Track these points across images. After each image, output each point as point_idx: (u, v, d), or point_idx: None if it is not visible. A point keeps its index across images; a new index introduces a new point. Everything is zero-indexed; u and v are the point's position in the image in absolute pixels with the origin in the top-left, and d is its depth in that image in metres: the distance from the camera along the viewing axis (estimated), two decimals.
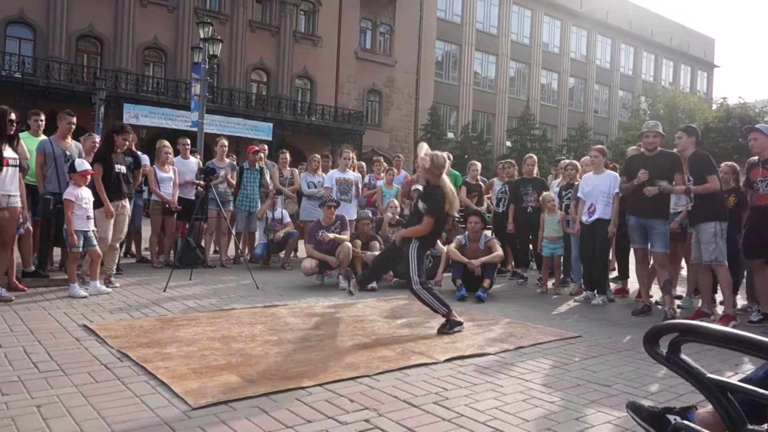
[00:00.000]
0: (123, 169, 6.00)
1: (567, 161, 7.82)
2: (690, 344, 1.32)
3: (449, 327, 4.44)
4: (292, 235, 8.01)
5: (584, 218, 6.15)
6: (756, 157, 5.21)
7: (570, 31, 43.41)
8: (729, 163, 6.23)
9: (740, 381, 1.56)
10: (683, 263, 6.77)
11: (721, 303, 5.74)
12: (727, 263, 5.12)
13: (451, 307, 4.60)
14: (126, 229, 6.20)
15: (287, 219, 8.10)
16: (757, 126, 5.31)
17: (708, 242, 5.07)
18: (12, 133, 4.98)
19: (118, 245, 6.04)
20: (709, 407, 1.99)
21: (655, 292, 6.15)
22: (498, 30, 39.70)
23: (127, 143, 6.17)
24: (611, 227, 5.95)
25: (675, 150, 5.68)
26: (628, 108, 43.75)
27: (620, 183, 5.86)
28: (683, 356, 1.33)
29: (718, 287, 5.66)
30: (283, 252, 8.06)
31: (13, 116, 4.94)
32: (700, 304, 5.60)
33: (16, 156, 5.05)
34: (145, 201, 7.76)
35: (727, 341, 1.24)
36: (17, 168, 5.06)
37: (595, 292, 6.20)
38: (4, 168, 4.83)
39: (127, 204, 6.10)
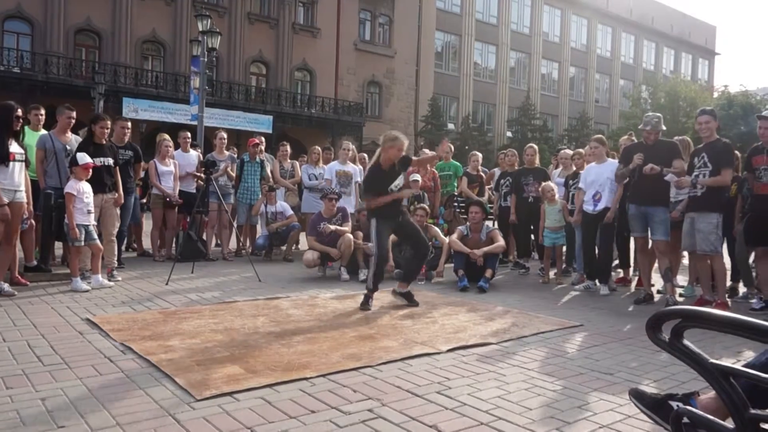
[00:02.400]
0: (107, 161, 5.83)
1: (572, 151, 7.79)
2: (690, 332, 1.32)
3: (362, 304, 4.95)
4: (294, 228, 8.02)
5: (590, 208, 6.12)
6: (760, 143, 5.17)
7: (570, 20, 43.18)
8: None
9: (743, 366, 1.56)
10: (684, 252, 6.76)
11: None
12: (722, 253, 5.11)
13: (379, 289, 5.09)
14: (118, 222, 6.06)
15: (289, 212, 8.12)
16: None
17: (709, 232, 5.07)
18: (18, 128, 5.03)
19: (114, 238, 6.01)
20: (712, 393, 1.99)
21: (657, 281, 6.15)
22: (498, 20, 39.51)
23: (107, 131, 5.94)
24: (609, 214, 5.92)
25: (684, 137, 5.59)
26: (629, 97, 43.53)
27: (616, 170, 5.83)
28: (686, 342, 1.33)
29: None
30: (285, 245, 8.08)
31: (19, 112, 4.99)
32: (702, 292, 5.59)
33: (23, 151, 5.09)
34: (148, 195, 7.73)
35: (730, 326, 1.24)
36: (23, 163, 5.09)
37: (598, 281, 6.20)
38: (11, 163, 4.88)
39: (112, 197, 5.89)
